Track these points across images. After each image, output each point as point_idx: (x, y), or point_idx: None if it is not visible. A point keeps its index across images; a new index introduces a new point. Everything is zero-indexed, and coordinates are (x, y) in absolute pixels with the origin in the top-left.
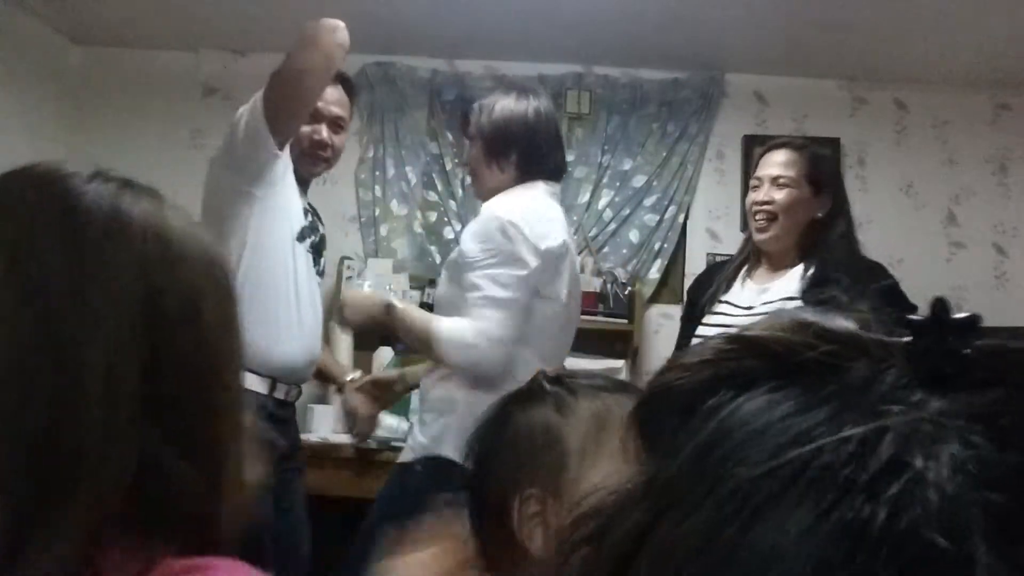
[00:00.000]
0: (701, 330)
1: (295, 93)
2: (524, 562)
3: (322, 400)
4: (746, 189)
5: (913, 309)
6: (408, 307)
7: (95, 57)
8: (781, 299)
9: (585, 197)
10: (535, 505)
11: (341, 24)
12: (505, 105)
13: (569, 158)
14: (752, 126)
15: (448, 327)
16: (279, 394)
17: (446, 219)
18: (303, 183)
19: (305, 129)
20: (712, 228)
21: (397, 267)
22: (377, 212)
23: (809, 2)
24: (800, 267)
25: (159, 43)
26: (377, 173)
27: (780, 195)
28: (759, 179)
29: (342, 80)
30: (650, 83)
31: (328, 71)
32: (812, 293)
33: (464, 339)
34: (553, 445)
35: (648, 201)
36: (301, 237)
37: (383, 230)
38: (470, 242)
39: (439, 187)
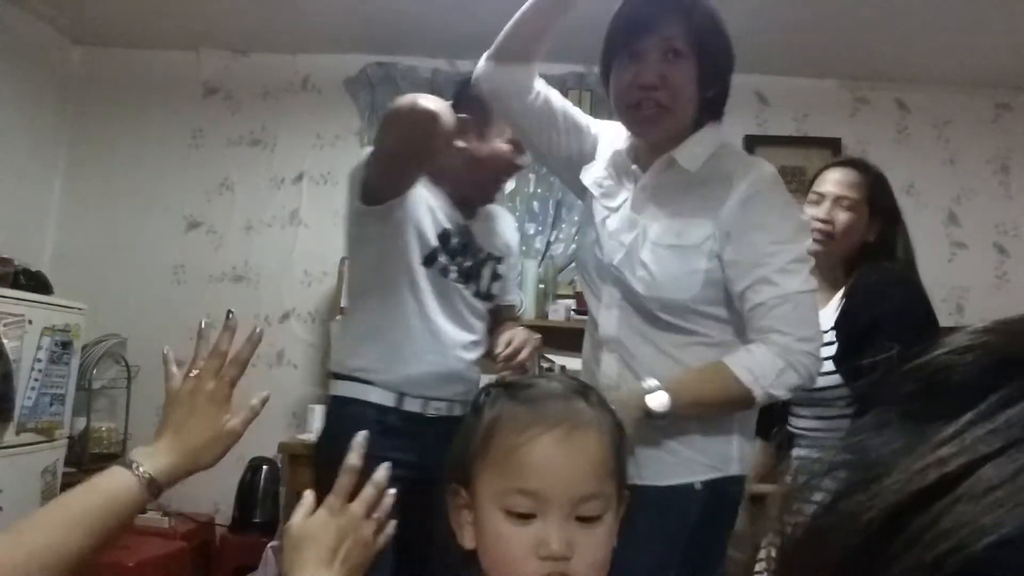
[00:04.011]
0: None
1: (387, 172)
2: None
3: (323, 400)
4: None
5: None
6: (673, 383)
7: (95, 57)
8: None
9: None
10: (458, 497)
11: (438, 114)
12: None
13: None
14: (753, 126)
15: (743, 360)
16: (411, 407)
17: None
18: (473, 203)
19: (504, 156)
20: None
21: None
22: None
23: (810, 2)
24: (838, 296)
25: (159, 43)
26: None
27: (842, 216)
28: (821, 195)
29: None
30: None
31: (426, 160)
32: (842, 330)
33: (776, 366)
34: (464, 446)
35: None
36: (428, 262)
37: None
38: (771, 217)
39: None
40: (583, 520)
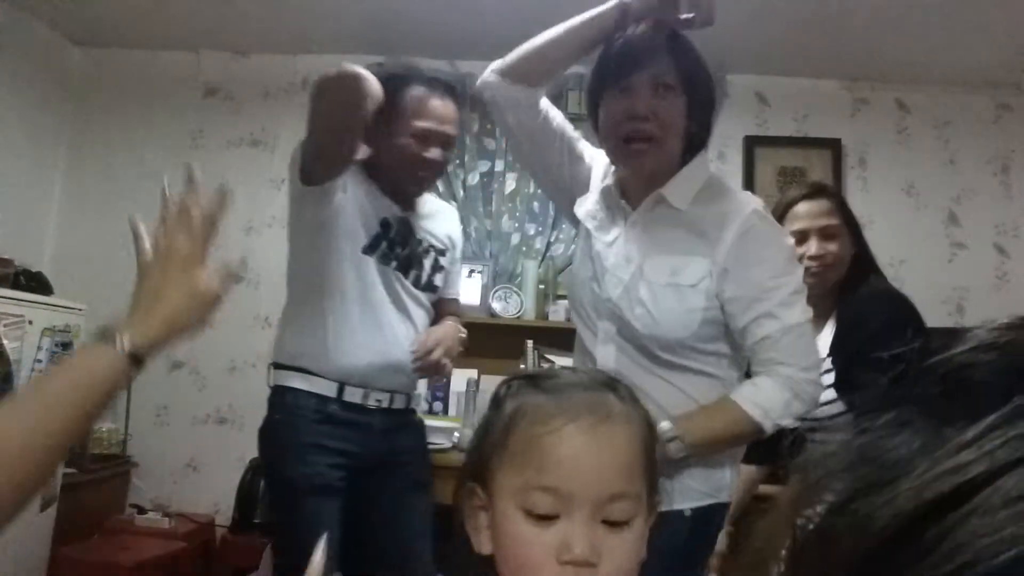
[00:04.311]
0: None
1: (318, 146)
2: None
3: None
4: (748, 189)
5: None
6: (684, 424)
7: (96, 57)
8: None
9: None
10: (475, 498)
11: (359, 75)
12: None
13: None
14: (753, 127)
15: (751, 395)
16: (352, 397)
17: None
18: (404, 195)
19: (408, 145)
20: None
21: None
22: None
23: (810, 3)
24: (831, 323)
25: (160, 44)
26: None
27: (831, 246)
28: (803, 231)
29: (455, 94)
30: None
31: (351, 125)
32: (838, 355)
33: (783, 398)
34: (483, 442)
35: None
36: (369, 250)
37: None
38: (766, 252)
39: (440, 188)
40: (610, 523)
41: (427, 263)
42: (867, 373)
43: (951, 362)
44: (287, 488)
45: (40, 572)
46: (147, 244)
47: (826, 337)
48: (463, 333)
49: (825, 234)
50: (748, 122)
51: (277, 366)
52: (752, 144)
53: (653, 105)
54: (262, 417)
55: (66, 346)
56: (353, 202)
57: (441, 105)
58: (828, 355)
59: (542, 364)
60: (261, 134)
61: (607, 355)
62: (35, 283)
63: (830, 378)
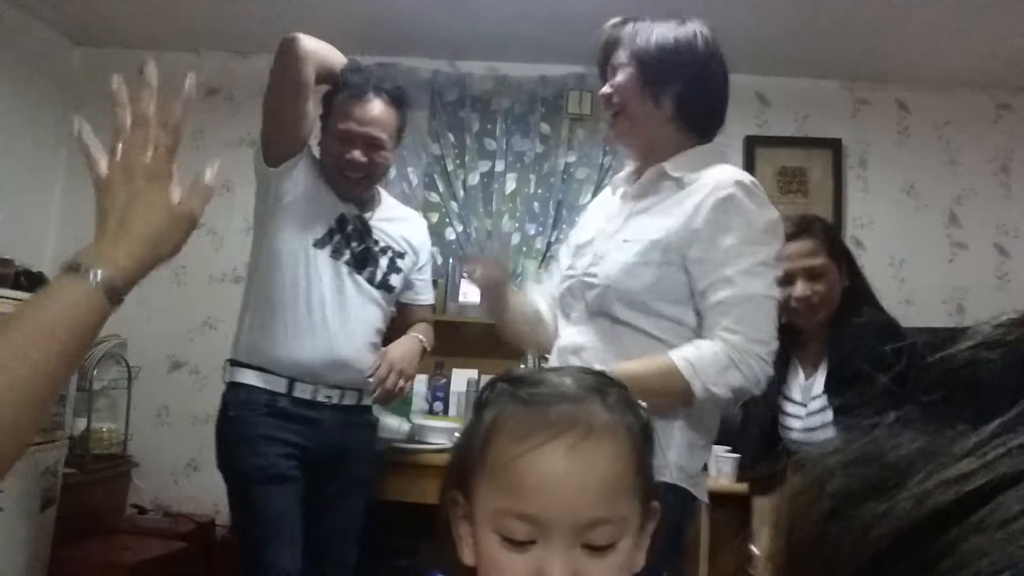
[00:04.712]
0: (783, 431)
1: (266, 115)
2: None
3: None
4: None
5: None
6: (624, 366)
7: (96, 57)
8: (819, 395)
9: (587, 198)
10: (459, 507)
11: (296, 36)
12: (668, 28)
13: (571, 159)
14: (753, 127)
15: (687, 353)
16: (301, 393)
17: (448, 220)
18: (349, 195)
19: (335, 147)
20: None
21: None
22: None
23: (810, 3)
24: (824, 363)
25: (160, 43)
26: None
27: (818, 286)
28: (790, 274)
29: (393, 97)
30: None
31: (287, 88)
32: (833, 391)
33: (720, 364)
34: (464, 448)
35: None
36: (321, 244)
37: None
38: (724, 219)
39: (441, 188)
40: (592, 548)
41: (383, 262)
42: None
43: (954, 359)
44: (241, 481)
45: (40, 572)
46: (100, 160)
47: (820, 377)
48: (425, 341)
49: (811, 275)
50: (748, 122)
51: (233, 363)
52: (752, 144)
53: (612, 83)
54: None
55: None
56: (309, 197)
57: (366, 108)
58: (824, 392)
59: (542, 364)
60: None
61: (575, 333)
62: (36, 284)
63: (827, 417)
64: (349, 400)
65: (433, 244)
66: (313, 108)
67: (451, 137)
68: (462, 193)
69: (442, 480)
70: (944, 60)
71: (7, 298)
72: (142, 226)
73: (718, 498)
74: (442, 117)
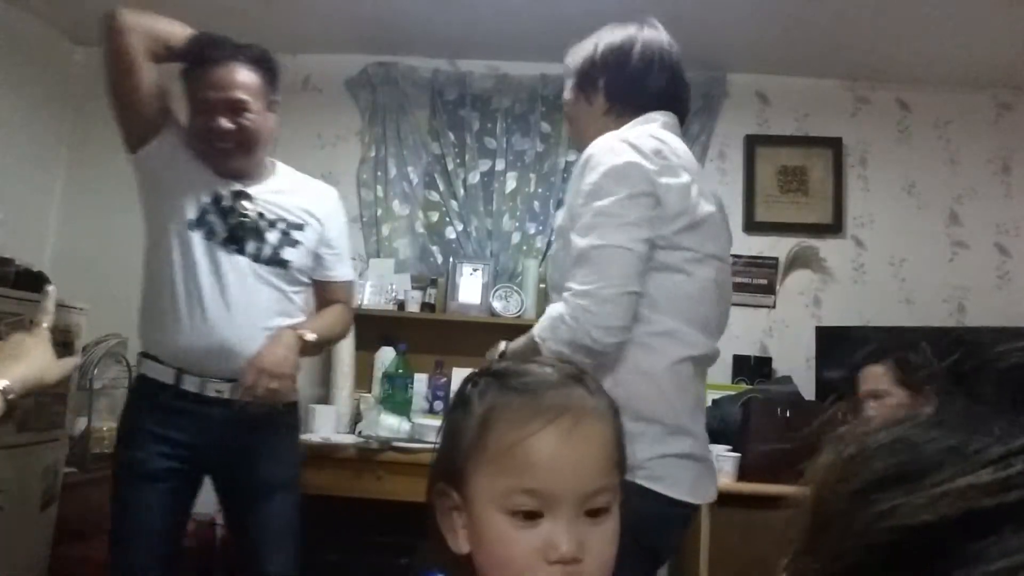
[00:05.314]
0: None
1: (109, 100)
2: (452, 558)
3: (323, 400)
4: (748, 190)
5: None
6: (511, 344)
7: (96, 57)
8: None
9: None
10: (447, 499)
11: (114, 11)
12: (598, 37)
13: (571, 158)
14: (754, 126)
15: (542, 321)
16: (189, 386)
17: (448, 219)
18: (225, 170)
19: (198, 120)
20: None
21: (399, 267)
22: (379, 212)
23: (810, 2)
24: None
25: None
26: (379, 173)
27: (878, 409)
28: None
29: (252, 59)
30: None
31: (115, 65)
32: None
33: (551, 317)
34: (454, 443)
35: None
36: (194, 226)
37: (385, 230)
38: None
39: (441, 187)
40: (592, 516)
41: (271, 236)
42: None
43: (1007, 358)
44: (116, 475)
45: (40, 572)
46: (45, 319)
47: None
48: (309, 333)
49: (876, 397)
50: (749, 121)
51: (141, 354)
52: (753, 143)
53: (565, 99)
54: None
55: (66, 346)
56: (179, 178)
57: (223, 72)
58: None
59: None
60: None
61: None
62: (36, 283)
63: None
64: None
65: (433, 243)
66: (160, 87)
67: (451, 136)
68: (462, 192)
69: (428, 476)
70: (944, 60)
71: (7, 298)
72: (35, 361)
73: (718, 498)
74: (442, 116)
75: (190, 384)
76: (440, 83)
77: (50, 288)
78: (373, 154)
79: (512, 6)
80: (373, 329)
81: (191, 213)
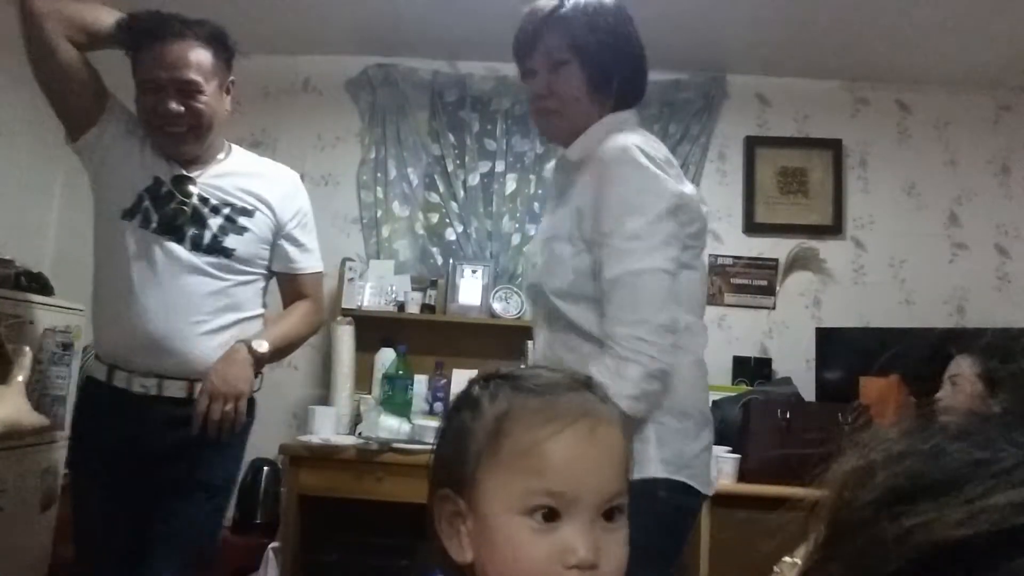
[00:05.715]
0: None
1: (40, 89)
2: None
3: (323, 401)
4: (748, 190)
5: None
6: None
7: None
8: None
9: None
10: (451, 505)
11: None
12: (606, 11)
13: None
14: (754, 127)
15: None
16: (119, 382)
17: (448, 220)
18: (176, 154)
19: (147, 102)
20: (714, 229)
21: (399, 268)
22: (379, 213)
23: (810, 4)
24: None
25: None
26: (379, 174)
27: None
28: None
29: (205, 37)
30: (651, 84)
31: (35, 52)
32: None
33: (608, 375)
34: (461, 447)
35: None
36: (129, 215)
37: (385, 231)
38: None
39: (441, 188)
40: (607, 520)
41: (213, 222)
42: None
43: None
44: (68, 475)
45: (40, 572)
46: (20, 374)
47: None
48: (258, 344)
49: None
50: (749, 122)
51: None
52: (753, 144)
53: (550, 81)
54: (262, 417)
55: (67, 347)
56: (122, 167)
57: (170, 50)
58: None
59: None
60: (261, 134)
61: (539, 341)
62: (36, 284)
63: None
64: (174, 391)
65: (433, 244)
66: (92, 72)
67: (451, 137)
68: (462, 193)
69: (429, 482)
70: (944, 60)
71: (7, 298)
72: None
73: (718, 498)
74: (442, 117)
75: (119, 380)
76: (440, 84)
77: (27, 349)
78: (373, 155)
79: (512, 8)
80: (373, 330)
81: (126, 202)
